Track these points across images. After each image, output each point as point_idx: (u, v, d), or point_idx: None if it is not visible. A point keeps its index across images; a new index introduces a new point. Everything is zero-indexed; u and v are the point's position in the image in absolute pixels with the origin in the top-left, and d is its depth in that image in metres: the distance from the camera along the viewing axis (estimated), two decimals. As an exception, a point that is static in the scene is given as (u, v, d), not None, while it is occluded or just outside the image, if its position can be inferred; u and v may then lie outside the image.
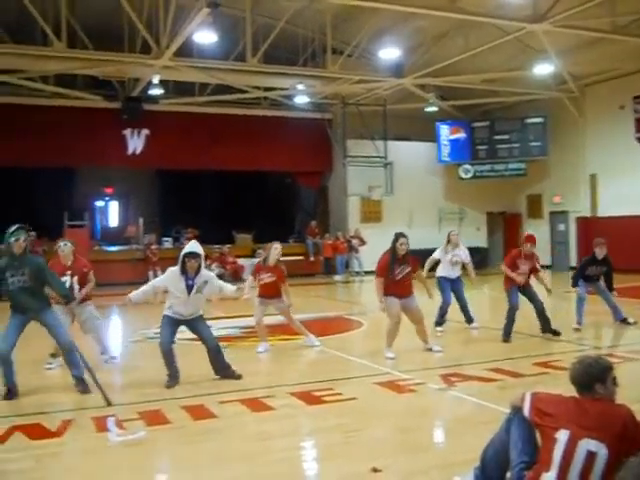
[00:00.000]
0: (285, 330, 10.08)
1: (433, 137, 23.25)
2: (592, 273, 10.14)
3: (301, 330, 8.95)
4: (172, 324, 6.87)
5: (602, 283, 10.33)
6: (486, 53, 17.46)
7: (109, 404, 6.08)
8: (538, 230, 23.60)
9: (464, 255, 10.14)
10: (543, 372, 7.04)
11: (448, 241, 10.15)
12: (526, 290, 9.27)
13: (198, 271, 6.73)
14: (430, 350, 8.24)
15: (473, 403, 5.89)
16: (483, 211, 24.40)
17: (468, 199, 23.76)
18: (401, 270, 7.82)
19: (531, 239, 9.45)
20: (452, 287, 10.01)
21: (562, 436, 3.29)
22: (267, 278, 8.61)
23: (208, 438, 5.05)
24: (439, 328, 9.95)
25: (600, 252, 10.06)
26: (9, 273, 6.29)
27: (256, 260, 20.68)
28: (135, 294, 6.91)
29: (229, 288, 7.18)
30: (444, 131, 23.28)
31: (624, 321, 10.21)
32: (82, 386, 6.53)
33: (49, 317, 6.49)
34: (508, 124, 22.90)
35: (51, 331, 6.53)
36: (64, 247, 7.77)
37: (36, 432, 5.27)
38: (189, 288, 6.69)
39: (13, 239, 6.26)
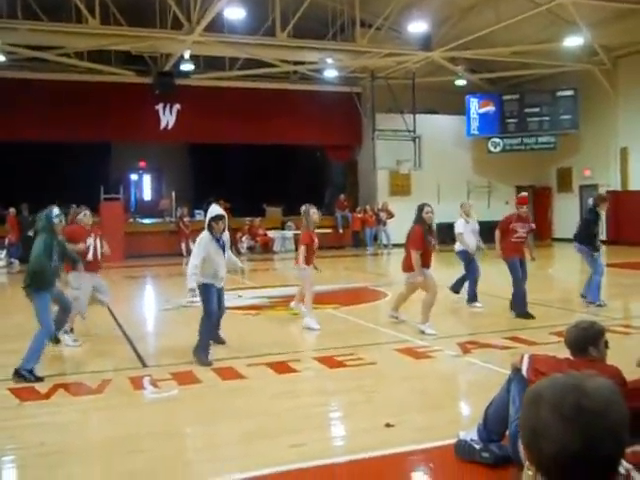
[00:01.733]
0: (313, 299, 10.44)
1: (462, 110, 23.22)
2: (596, 231, 9.74)
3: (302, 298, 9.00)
4: (214, 293, 6.90)
5: None
6: (516, 25, 17.37)
7: (144, 365, 6.54)
8: (568, 204, 23.63)
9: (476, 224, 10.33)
10: (558, 341, 7.23)
11: (467, 213, 10.27)
12: (522, 263, 9.14)
13: (222, 231, 6.99)
14: (422, 332, 7.92)
15: (487, 369, 6.18)
16: (512, 185, 24.34)
17: (497, 173, 23.76)
18: (430, 240, 8.05)
19: (524, 201, 9.39)
20: (474, 260, 10.10)
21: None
22: (316, 241, 8.77)
23: (236, 395, 5.47)
24: (478, 304, 9.85)
25: (603, 208, 9.79)
26: (54, 250, 6.61)
27: (288, 232, 21.28)
28: (191, 282, 6.76)
29: (234, 258, 7.53)
30: (473, 104, 23.23)
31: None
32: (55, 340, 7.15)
33: (56, 289, 6.92)
34: (538, 97, 22.76)
35: (59, 296, 7.03)
36: (84, 217, 8.14)
37: (78, 389, 5.74)
38: (222, 248, 6.97)
39: (58, 220, 6.72)
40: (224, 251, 6.98)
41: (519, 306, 8.98)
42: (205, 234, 6.92)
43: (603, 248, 19.89)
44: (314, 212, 8.76)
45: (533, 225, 9.35)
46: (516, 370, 3.90)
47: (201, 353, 6.62)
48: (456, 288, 10.42)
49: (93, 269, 8.02)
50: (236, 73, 21.24)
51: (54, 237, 6.69)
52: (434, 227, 8.27)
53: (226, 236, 7.12)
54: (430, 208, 8.06)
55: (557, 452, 1.36)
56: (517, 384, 3.84)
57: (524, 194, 9.96)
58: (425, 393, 5.53)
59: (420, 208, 8.11)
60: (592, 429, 1.36)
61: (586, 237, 9.71)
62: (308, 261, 8.62)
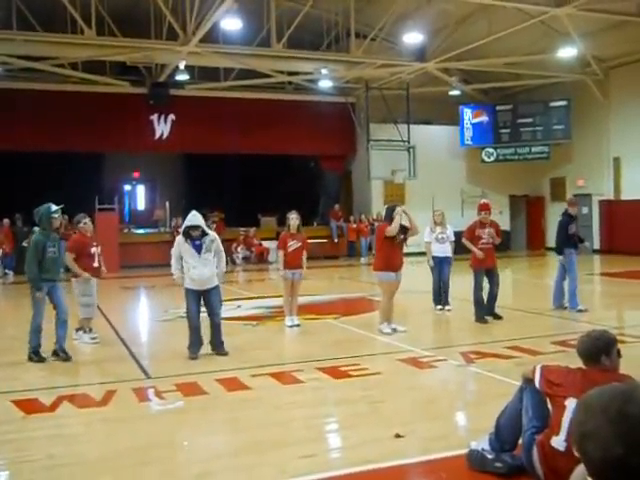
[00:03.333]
0: (312, 309, 10.50)
1: (456, 121, 23.34)
2: (572, 231, 10.21)
3: (292, 307, 9.29)
4: (195, 297, 7.34)
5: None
6: (510, 36, 17.49)
7: (147, 377, 6.51)
8: (561, 213, 23.68)
9: (450, 232, 10.58)
10: (560, 350, 7.29)
11: (435, 221, 10.57)
12: (491, 272, 9.46)
13: (203, 234, 7.32)
14: (394, 330, 8.50)
15: (491, 378, 6.19)
16: (506, 194, 24.46)
17: (491, 182, 23.85)
18: (399, 236, 8.45)
19: (485, 207, 9.61)
20: (440, 266, 10.39)
21: (570, 404, 3.58)
22: (295, 244, 9.17)
23: (242, 406, 5.45)
24: (438, 306, 10.41)
25: (573, 210, 10.37)
26: (49, 244, 7.20)
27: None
28: (176, 275, 7.41)
29: (223, 265, 7.61)
30: (467, 115, 23.36)
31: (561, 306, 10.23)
32: (67, 356, 7.25)
33: (59, 291, 7.38)
34: (531, 107, 22.91)
35: (57, 302, 7.32)
36: (85, 225, 8.50)
37: (82, 401, 5.70)
38: (197, 248, 7.27)
39: (56, 216, 7.29)
40: (199, 253, 7.25)
41: (476, 312, 9.34)
42: (179, 237, 7.44)
43: (596, 257, 20.04)
44: (292, 216, 9.26)
45: (491, 230, 9.47)
46: (528, 380, 3.91)
47: (189, 349, 7.29)
48: (444, 299, 10.56)
49: (98, 275, 8.42)
50: (231, 83, 21.26)
51: (49, 233, 7.25)
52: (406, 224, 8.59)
53: (210, 237, 7.35)
54: (400, 209, 8.49)
55: (602, 457, 1.39)
56: (530, 394, 3.85)
57: (485, 200, 10.29)
58: (432, 403, 5.52)
59: (392, 209, 8.56)
60: (635, 435, 1.38)
61: (565, 238, 10.20)
62: (287, 264, 9.11)
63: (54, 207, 7.28)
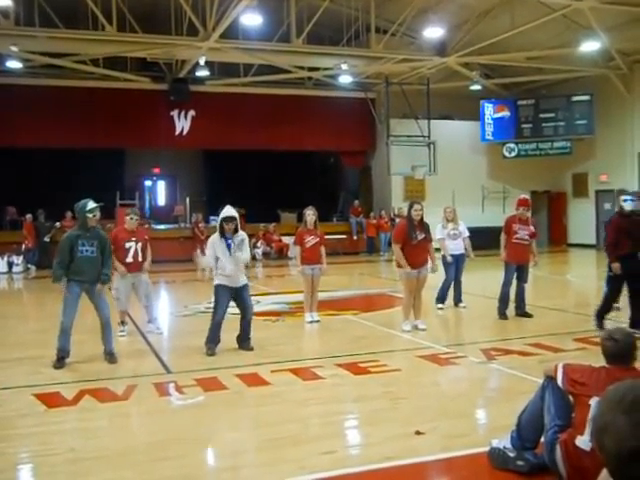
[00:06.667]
0: (332, 305, 10.50)
1: (477, 116, 23.14)
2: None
3: (312, 303, 9.30)
4: (226, 294, 7.34)
5: None
6: (532, 30, 17.30)
7: (168, 372, 6.54)
8: (583, 209, 23.47)
9: (463, 228, 10.44)
10: (582, 348, 7.22)
11: (446, 218, 10.42)
12: (522, 268, 9.31)
13: (235, 231, 7.36)
14: (415, 328, 8.39)
15: (513, 375, 6.14)
16: (527, 190, 24.08)
17: (512, 178, 23.65)
18: (416, 236, 8.22)
19: (524, 202, 9.44)
20: (455, 264, 10.23)
21: (595, 403, 3.53)
22: (312, 240, 9.20)
23: (263, 402, 5.45)
24: (440, 305, 10.22)
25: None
26: (81, 242, 6.85)
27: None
28: (206, 259, 7.59)
29: (247, 256, 7.52)
30: (488, 110, 23.14)
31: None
32: (112, 358, 6.98)
33: (95, 293, 6.99)
34: (554, 102, 22.64)
35: (95, 304, 7.03)
36: (132, 220, 8.59)
37: (104, 395, 5.72)
38: (229, 247, 7.30)
39: (91, 214, 6.89)
40: (230, 251, 7.26)
41: (500, 308, 9.24)
42: (215, 235, 7.43)
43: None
44: (309, 213, 9.31)
45: (532, 228, 9.36)
46: (549, 378, 3.86)
47: (206, 344, 7.29)
48: (457, 296, 10.48)
49: (131, 270, 8.41)
50: (251, 79, 21.29)
51: (83, 231, 6.87)
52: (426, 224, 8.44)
53: (240, 237, 7.36)
54: (419, 206, 8.32)
55: (617, 451, 1.39)
56: (552, 392, 3.80)
57: (524, 196, 10.02)
58: (452, 400, 5.48)
59: (410, 205, 8.43)
60: None
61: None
62: (304, 260, 9.16)
63: (91, 204, 6.86)
